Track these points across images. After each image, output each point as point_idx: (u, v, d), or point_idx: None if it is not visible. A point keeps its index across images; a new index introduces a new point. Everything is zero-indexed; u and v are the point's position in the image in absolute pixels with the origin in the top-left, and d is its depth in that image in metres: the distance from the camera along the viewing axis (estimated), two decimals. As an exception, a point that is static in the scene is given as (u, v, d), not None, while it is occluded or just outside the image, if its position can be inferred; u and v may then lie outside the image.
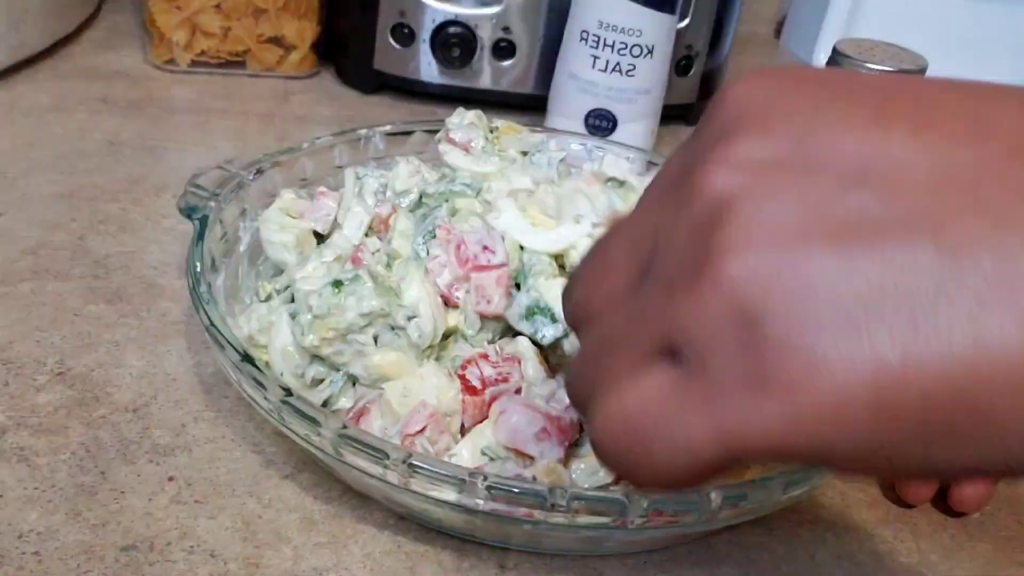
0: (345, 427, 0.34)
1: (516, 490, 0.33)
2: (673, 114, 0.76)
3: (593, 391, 0.24)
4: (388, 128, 0.54)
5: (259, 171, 0.48)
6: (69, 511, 0.37)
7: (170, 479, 0.39)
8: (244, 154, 0.65)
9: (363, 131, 0.54)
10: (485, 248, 0.42)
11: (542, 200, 0.45)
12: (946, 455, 0.20)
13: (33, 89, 0.69)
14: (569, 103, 0.66)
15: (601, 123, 0.65)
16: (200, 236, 0.43)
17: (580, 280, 0.27)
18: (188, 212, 0.44)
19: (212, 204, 0.45)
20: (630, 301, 0.24)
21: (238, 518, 0.38)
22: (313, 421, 0.35)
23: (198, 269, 0.41)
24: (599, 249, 0.27)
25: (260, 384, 0.36)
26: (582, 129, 0.65)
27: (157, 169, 0.62)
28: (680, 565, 0.39)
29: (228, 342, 0.37)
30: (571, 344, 0.38)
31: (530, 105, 0.73)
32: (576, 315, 0.27)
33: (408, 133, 0.55)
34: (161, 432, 0.41)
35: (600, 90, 0.64)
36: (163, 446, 0.41)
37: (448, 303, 0.42)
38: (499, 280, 0.41)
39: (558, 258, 0.42)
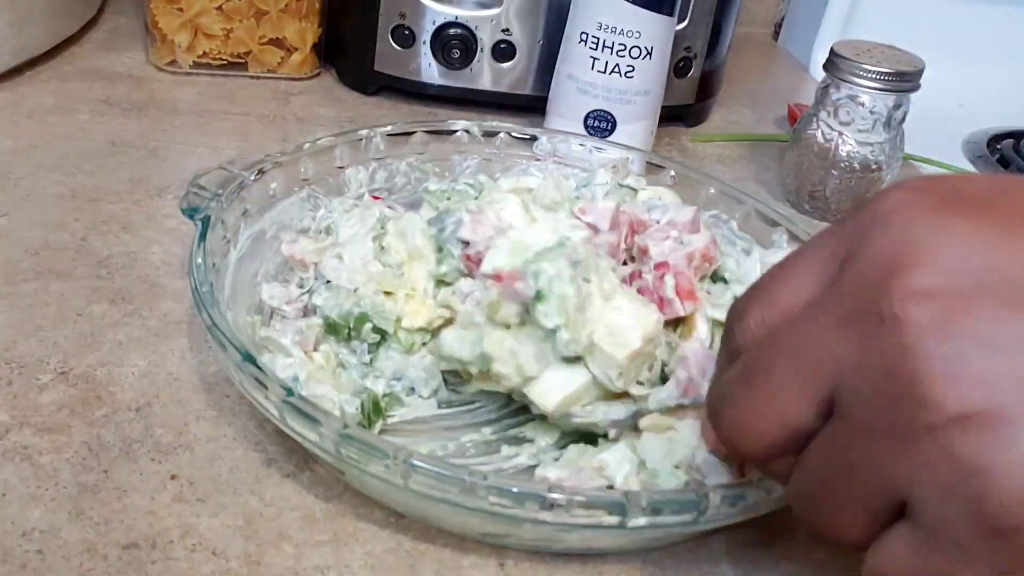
0: (346, 426, 0.35)
1: (516, 490, 0.34)
2: (672, 115, 0.76)
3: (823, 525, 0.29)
4: (389, 128, 0.55)
5: (261, 171, 0.49)
6: (72, 510, 0.37)
7: (172, 478, 0.39)
8: (246, 155, 0.65)
9: (364, 132, 0.54)
10: None
11: (543, 195, 0.46)
12: None
13: (36, 90, 0.70)
14: (568, 104, 0.66)
15: (600, 124, 0.65)
16: (202, 236, 0.43)
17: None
18: (190, 213, 0.45)
19: (214, 205, 0.45)
20: (832, 445, 0.27)
21: (240, 516, 0.38)
22: (314, 420, 0.35)
23: (200, 269, 0.41)
24: (764, 362, 0.29)
25: (261, 384, 0.36)
26: (581, 130, 0.65)
27: (159, 170, 0.62)
28: (680, 564, 0.39)
29: (230, 342, 0.37)
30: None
31: (530, 106, 0.73)
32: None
33: (409, 134, 0.55)
34: (163, 431, 0.42)
35: (599, 91, 0.64)
36: (165, 445, 0.41)
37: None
38: None
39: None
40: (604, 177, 0.52)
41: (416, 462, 0.34)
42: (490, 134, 0.57)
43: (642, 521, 0.34)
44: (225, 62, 0.75)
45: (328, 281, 0.45)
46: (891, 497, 0.26)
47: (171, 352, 0.46)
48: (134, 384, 0.44)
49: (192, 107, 0.71)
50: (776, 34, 1.06)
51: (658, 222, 0.46)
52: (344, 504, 0.39)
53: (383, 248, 0.46)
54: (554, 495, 0.33)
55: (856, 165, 0.66)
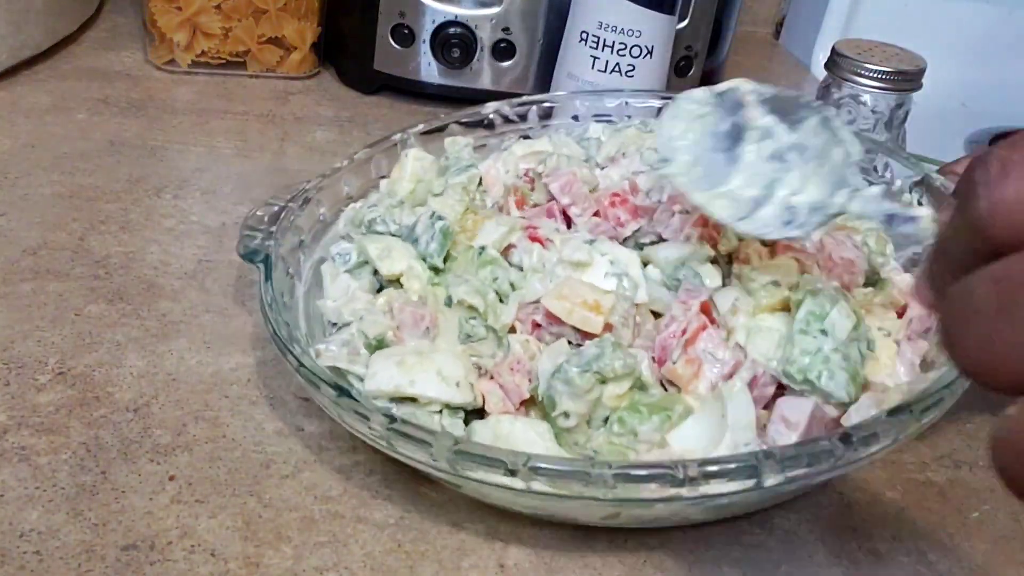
0: (456, 442, 0.34)
1: (644, 473, 0.33)
2: (673, 115, 0.76)
3: None
4: (421, 128, 0.53)
5: (306, 200, 0.47)
6: (70, 511, 0.37)
7: (171, 478, 0.39)
8: (244, 153, 0.65)
9: (397, 136, 0.53)
10: None
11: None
12: None
13: (34, 89, 0.69)
14: (569, 104, 0.66)
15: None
16: (267, 278, 0.42)
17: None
18: (249, 257, 0.44)
19: (271, 244, 0.44)
20: None
21: (238, 517, 0.38)
22: (423, 442, 0.34)
23: (274, 310, 0.40)
24: None
25: (362, 416, 0.35)
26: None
27: (157, 169, 0.62)
28: (679, 564, 0.39)
29: (322, 380, 0.36)
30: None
31: (530, 106, 0.73)
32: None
33: (441, 129, 0.54)
34: (162, 432, 0.41)
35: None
36: (164, 446, 0.41)
37: None
38: None
39: None
40: (596, 131, 0.53)
41: (539, 464, 0.33)
42: (522, 115, 0.56)
43: (779, 478, 0.34)
44: (224, 61, 0.75)
45: (335, 324, 0.44)
46: None
47: (169, 352, 0.46)
48: (132, 384, 0.44)
49: (190, 106, 0.71)
50: (777, 33, 1.05)
51: (660, 202, 0.46)
52: (343, 505, 0.39)
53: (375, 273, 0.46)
54: (684, 470, 0.33)
55: (857, 164, 0.66)
